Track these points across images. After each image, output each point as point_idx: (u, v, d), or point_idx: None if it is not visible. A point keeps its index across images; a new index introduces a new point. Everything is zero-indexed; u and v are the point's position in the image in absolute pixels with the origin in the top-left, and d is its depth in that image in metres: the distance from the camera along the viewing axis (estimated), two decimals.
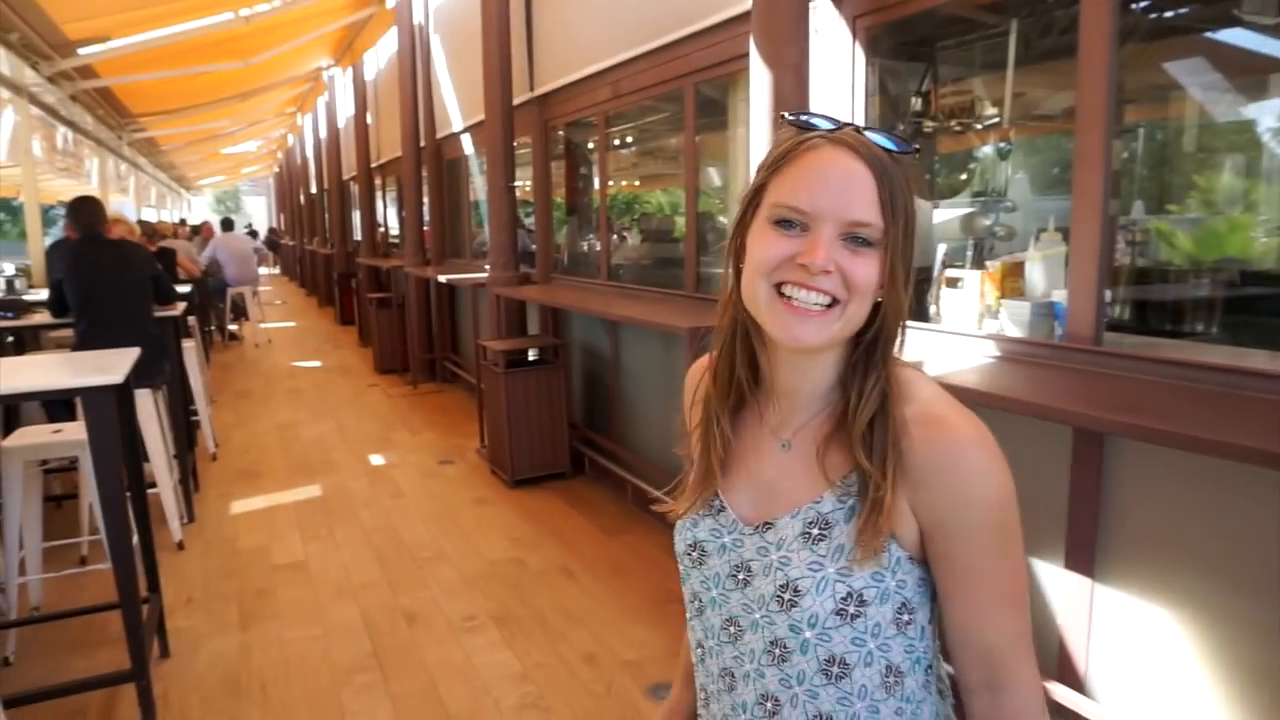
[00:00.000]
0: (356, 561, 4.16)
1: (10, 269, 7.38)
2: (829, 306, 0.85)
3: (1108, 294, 2.22)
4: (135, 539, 3.25)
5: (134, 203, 14.31)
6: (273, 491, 5.32)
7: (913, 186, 0.88)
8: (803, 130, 0.88)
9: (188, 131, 13.50)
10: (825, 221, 0.84)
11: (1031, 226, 3.16)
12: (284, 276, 25.88)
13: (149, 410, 4.25)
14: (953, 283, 2.66)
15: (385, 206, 12.55)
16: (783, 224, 0.86)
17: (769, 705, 0.95)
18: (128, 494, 3.18)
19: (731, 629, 0.97)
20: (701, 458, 1.01)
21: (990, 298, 2.52)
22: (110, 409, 2.52)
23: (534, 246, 6.43)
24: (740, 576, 0.95)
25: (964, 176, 3.38)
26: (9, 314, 4.48)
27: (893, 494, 0.86)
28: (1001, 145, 3.32)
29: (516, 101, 5.77)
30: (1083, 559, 2.22)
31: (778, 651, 0.92)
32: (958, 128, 3.10)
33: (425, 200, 8.78)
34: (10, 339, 5.82)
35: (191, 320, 7.52)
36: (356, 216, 13.11)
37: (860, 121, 2.94)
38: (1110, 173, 2.15)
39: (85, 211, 4.22)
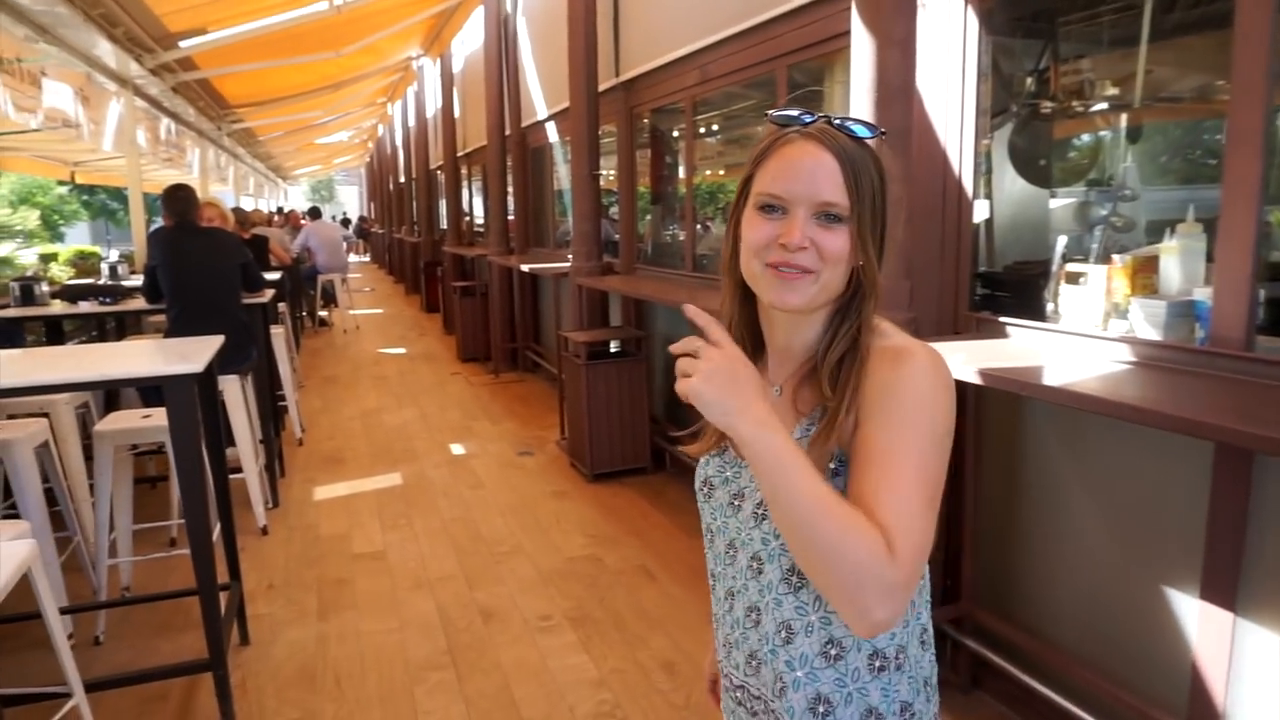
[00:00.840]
0: (434, 553, 4.13)
1: (115, 255, 7.64)
2: (808, 274, 0.98)
3: (1261, 292, 1.97)
4: (217, 527, 3.27)
5: (233, 192, 14.77)
6: (355, 478, 5.35)
7: (881, 165, 1.00)
8: (781, 126, 1.02)
9: (283, 122, 13.84)
10: (799, 205, 0.98)
11: (1152, 217, 2.89)
12: (374, 264, 26.51)
13: (236, 396, 4.30)
14: (1073, 278, 2.42)
15: (470, 195, 12.64)
16: (766, 209, 1.00)
17: (754, 616, 1.07)
18: (210, 480, 3.20)
19: (731, 551, 1.10)
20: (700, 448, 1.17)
21: (1119, 295, 2.28)
22: (190, 397, 2.50)
23: (617, 236, 6.31)
24: (736, 503, 1.09)
25: (1083, 162, 3.11)
26: (107, 299, 4.59)
27: (847, 413, 0.97)
28: (1125, 129, 3.04)
29: (602, 88, 5.66)
30: (1223, 589, 1.98)
31: (755, 565, 1.06)
32: (1079, 109, 2.84)
33: (509, 189, 8.76)
34: (112, 323, 6.03)
35: (282, 307, 7.68)
36: (443, 205, 13.27)
37: (971, 101, 2.72)
38: (1268, 156, 1.90)
39: (178, 199, 4.28)
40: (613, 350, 5.39)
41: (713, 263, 5.40)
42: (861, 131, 1.00)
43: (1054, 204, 2.97)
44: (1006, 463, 2.75)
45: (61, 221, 24.54)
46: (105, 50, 6.56)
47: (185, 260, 4.19)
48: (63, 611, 3.17)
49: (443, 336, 11.14)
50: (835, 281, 1.00)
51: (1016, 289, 2.74)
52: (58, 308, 4.54)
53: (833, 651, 1.02)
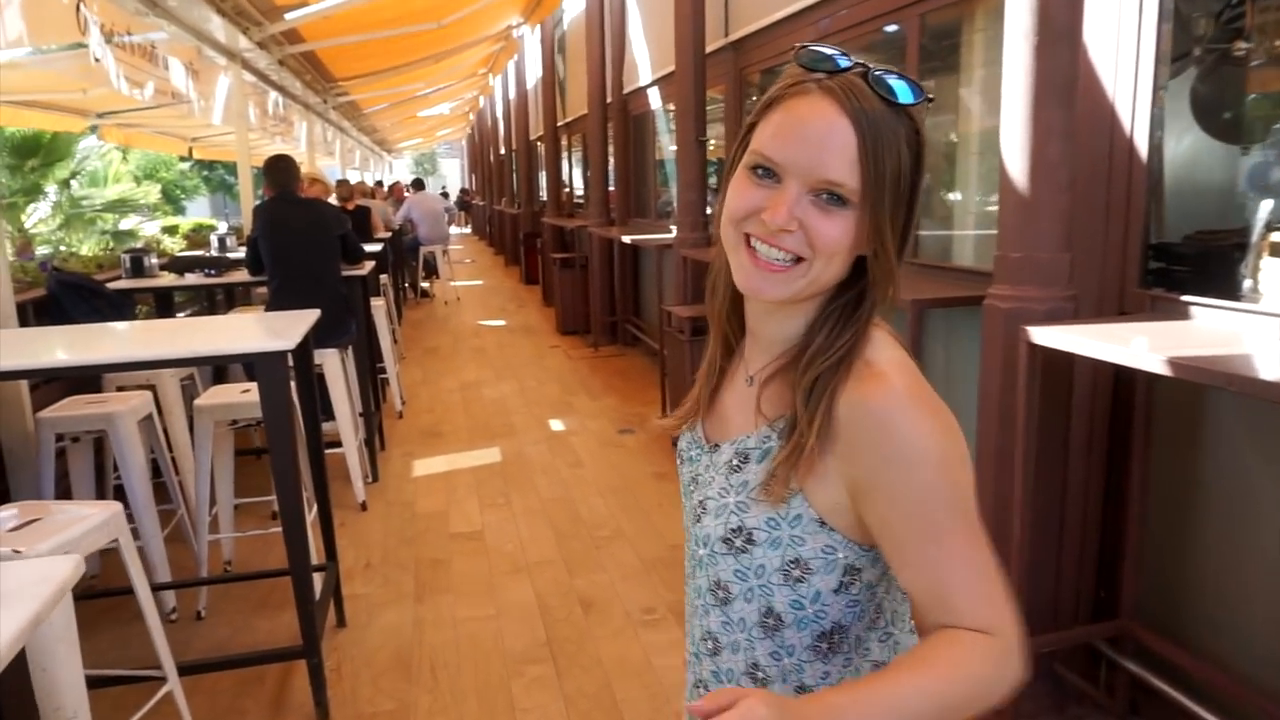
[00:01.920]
0: (533, 535, 3.98)
1: (224, 227, 7.78)
2: (795, 263, 0.82)
3: None
4: (314, 508, 3.19)
5: (339, 165, 15.04)
6: (454, 452, 5.28)
7: (920, 139, 0.81)
8: (806, 69, 0.82)
9: (386, 95, 13.96)
10: (793, 177, 0.80)
11: None
12: (474, 236, 26.82)
13: (335, 370, 4.23)
14: (1279, 250, 2.05)
15: (570, 166, 12.50)
16: (758, 170, 0.83)
17: (698, 601, 0.99)
18: (307, 458, 3.11)
19: (691, 527, 1.00)
20: (701, 373, 1.04)
21: None
22: (281, 375, 2.38)
23: (710, 210, 6.02)
24: (691, 487, 1.00)
25: None
26: (212, 271, 4.59)
27: (816, 446, 0.82)
28: None
29: (709, 49, 5.36)
30: None
31: (695, 560, 0.98)
32: None
33: (610, 159, 8.55)
34: (221, 295, 6.11)
35: (384, 278, 7.70)
36: (543, 177, 13.18)
37: (1150, 45, 2.34)
38: None
39: (279, 170, 4.21)
40: None
41: None
42: (902, 93, 0.80)
43: (1246, 163, 2.55)
44: (1182, 462, 2.39)
45: (183, 195, 25.63)
46: (214, 24, 6.61)
47: (285, 232, 4.13)
48: (159, 588, 3.16)
49: (541, 309, 11.08)
50: (829, 275, 0.84)
51: (1199, 263, 2.36)
52: (165, 280, 4.57)
53: (759, 675, 0.94)
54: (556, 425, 5.81)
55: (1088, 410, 2.52)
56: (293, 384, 3.00)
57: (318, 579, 3.22)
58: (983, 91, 3.33)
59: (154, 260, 4.64)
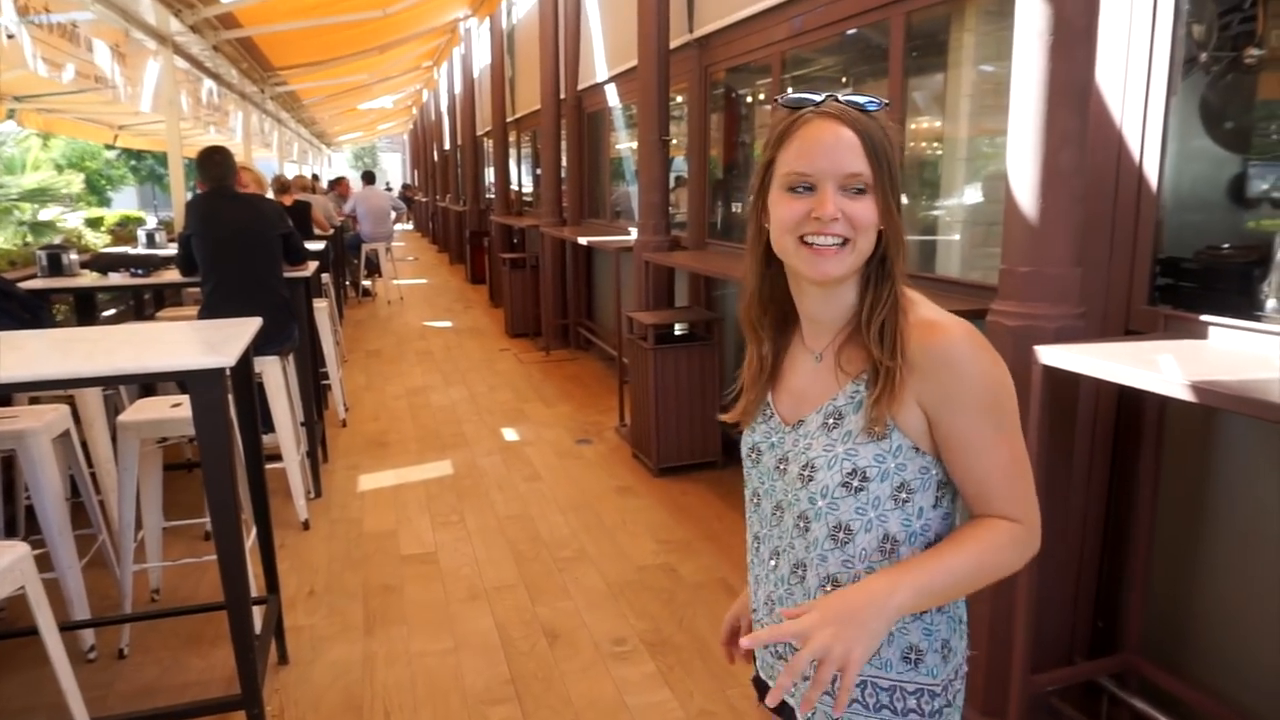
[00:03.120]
0: (490, 556, 3.74)
1: (153, 221, 7.33)
2: (844, 245, 1.04)
3: None
4: (252, 533, 2.91)
5: (277, 158, 14.49)
6: (402, 465, 5.00)
7: (890, 134, 1.06)
8: (794, 110, 1.07)
9: (327, 85, 13.48)
10: (827, 179, 1.03)
11: None
12: (417, 232, 26.24)
13: (276, 379, 3.93)
14: None
15: (520, 164, 12.21)
16: (794, 188, 1.05)
17: (800, 573, 1.14)
18: (245, 478, 2.83)
19: (777, 513, 1.17)
20: (749, 374, 1.22)
21: None
22: (218, 395, 2.11)
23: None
24: (781, 467, 1.15)
25: None
26: (140, 271, 4.24)
27: (900, 376, 1.03)
28: None
29: (673, 45, 5.16)
30: None
31: (802, 524, 1.12)
32: None
33: (563, 157, 8.31)
34: (150, 295, 5.71)
35: (326, 277, 7.34)
36: (490, 174, 12.86)
37: (1164, 47, 2.21)
38: None
39: (214, 163, 3.88)
40: (678, 333, 4.96)
41: None
42: (868, 105, 1.06)
43: (1258, 174, 2.45)
44: (1192, 488, 2.27)
45: (108, 186, 24.55)
46: (144, 5, 6.21)
47: (221, 229, 3.81)
48: (74, 626, 2.86)
49: (489, 309, 10.77)
50: (867, 247, 1.06)
51: (1211, 280, 2.24)
52: (87, 279, 4.20)
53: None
54: (510, 435, 5.56)
55: (1089, 432, 2.39)
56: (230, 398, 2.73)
57: (258, 613, 2.94)
58: (973, 95, 3.20)
59: (74, 257, 4.27)
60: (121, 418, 2.94)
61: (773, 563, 1.17)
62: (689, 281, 5.33)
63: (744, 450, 1.23)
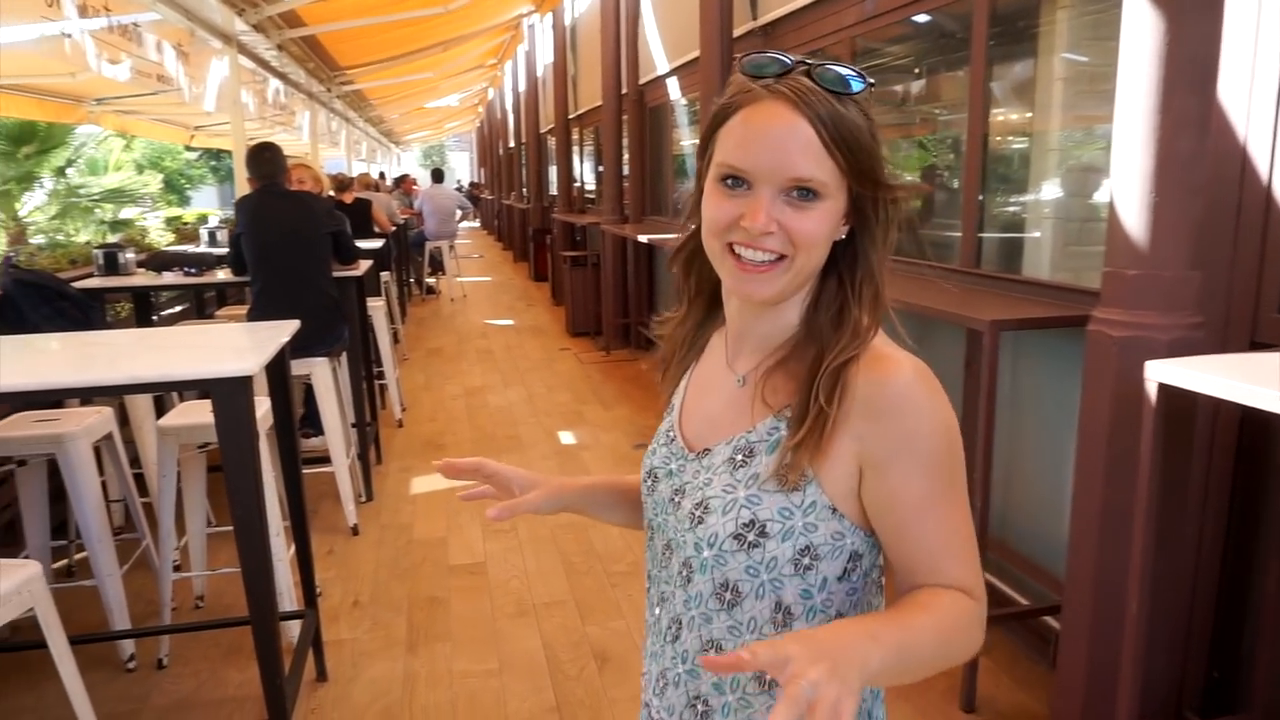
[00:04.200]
0: (540, 569, 3.58)
1: (215, 220, 7.39)
2: (778, 261, 0.85)
3: None
4: (291, 548, 2.80)
5: (345, 156, 14.65)
6: None
7: (871, 122, 0.84)
8: (752, 77, 0.85)
9: (393, 84, 13.58)
10: (764, 182, 0.83)
11: None
12: (482, 230, 26.44)
13: (325, 382, 3.84)
14: None
15: (582, 160, 12.09)
16: (728, 181, 0.85)
17: (674, 629, 0.97)
18: (282, 485, 2.72)
19: (666, 552, 0.98)
20: (663, 391, 1.08)
21: None
22: (241, 405, 1.98)
23: None
24: (676, 500, 0.97)
25: None
26: (193, 270, 4.20)
27: (833, 423, 0.85)
28: None
29: (736, 33, 4.94)
30: None
31: (685, 572, 0.94)
32: None
33: (625, 153, 8.13)
34: (212, 293, 5.71)
35: (385, 276, 7.30)
36: (553, 171, 12.77)
37: None
38: None
39: (264, 160, 3.80)
40: None
41: None
42: (848, 83, 0.83)
43: None
44: None
45: (188, 185, 25.27)
46: (208, 4, 6.23)
47: (269, 228, 3.73)
48: (111, 637, 2.78)
49: (551, 308, 10.67)
50: (812, 265, 0.87)
51: None
52: (140, 279, 4.17)
53: (768, 678, 0.91)
54: (567, 438, 5.41)
55: (1206, 458, 2.11)
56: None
57: (295, 626, 2.84)
58: (1066, 81, 2.90)
59: (130, 256, 4.24)
60: (161, 422, 2.86)
61: (659, 608, 1.00)
62: None
63: (642, 474, 1.04)
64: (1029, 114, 3.12)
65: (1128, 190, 1.96)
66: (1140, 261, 1.94)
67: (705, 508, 0.91)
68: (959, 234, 3.30)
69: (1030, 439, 2.82)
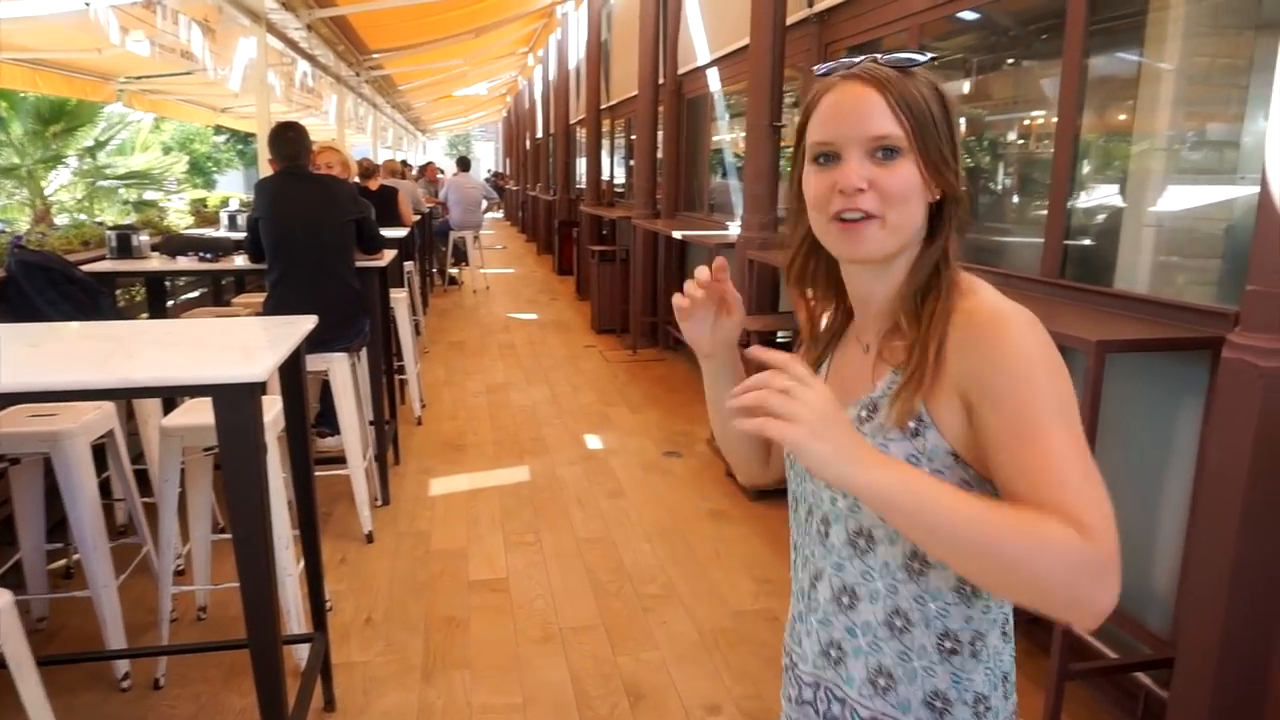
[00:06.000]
0: (567, 588, 3.34)
1: (235, 203, 7.19)
2: (872, 218, 0.90)
3: None
4: (300, 564, 2.56)
5: (371, 142, 14.46)
6: (477, 470, 4.65)
7: (938, 88, 0.91)
8: (823, 77, 0.95)
9: (422, 70, 13.36)
10: (850, 145, 0.90)
11: None
12: (506, 221, 26.24)
13: (343, 378, 3.61)
14: None
15: (611, 153, 11.82)
16: (820, 160, 0.93)
17: (818, 583, 1.01)
18: (293, 493, 2.48)
19: (808, 517, 1.03)
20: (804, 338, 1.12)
21: None
22: (247, 414, 1.74)
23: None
24: None
25: None
26: (208, 255, 3.97)
27: (935, 361, 0.88)
28: None
29: (790, 20, 4.65)
30: None
31: (823, 529, 1.00)
32: None
33: (660, 146, 7.86)
34: (230, 279, 5.50)
35: (409, 266, 7.08)
36: (581, 163, 12.50)
37: None
38: None
39: (286, 140, 3.56)
40: (779, 339, 4.48)
41: None
42: (910, 59, 0.92)
43: None
44: None
45: (214, 169, 25.19)
46: None
47: (288, 214, 3.49)
48: (101, 657, 2.56)
49: (575, 302, 10.42)
50: (906, 222, 0.91)
51: None
52: (153, 263, 3.95)
53: (898, 623, 0.95)
54: (593, 442, 5.15)
55: None
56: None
57: (304, 650, 2.60)
58: (1178, 74, 2.60)
59: (144, 239, 4.03)
60: (165, 422, 2.63)
61: (800, 574, 1.06)
62: None
63: (785, 450, 1.08)
64: (1131, 110, 2.81)
65: (1273, 195, 1.67)
66: None
67: None
68: (1037, 239, 3.01)
69: (1121, 474, 2.54)
